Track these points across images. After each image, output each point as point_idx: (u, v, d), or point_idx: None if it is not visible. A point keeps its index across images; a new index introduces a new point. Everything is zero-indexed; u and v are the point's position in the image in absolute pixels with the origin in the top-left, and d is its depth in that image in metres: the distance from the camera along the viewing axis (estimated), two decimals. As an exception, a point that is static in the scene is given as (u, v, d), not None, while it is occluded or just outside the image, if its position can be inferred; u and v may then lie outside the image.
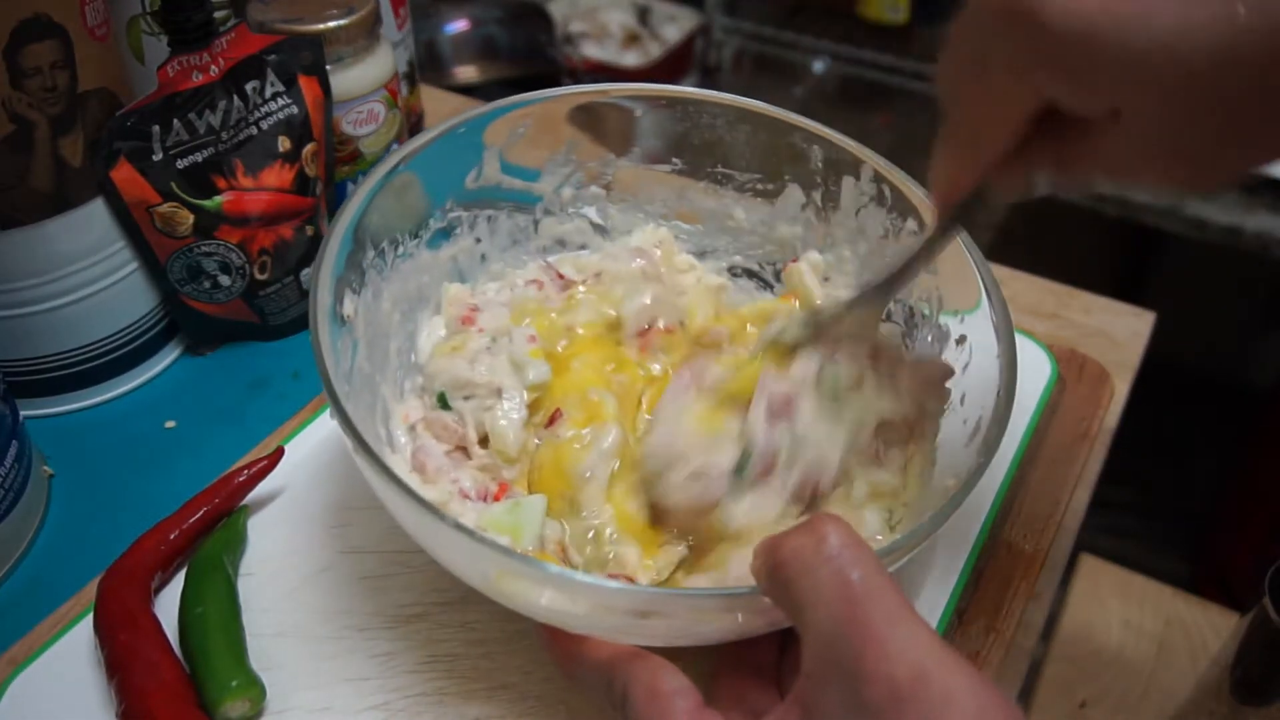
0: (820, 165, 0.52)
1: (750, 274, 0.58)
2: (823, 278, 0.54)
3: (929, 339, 0.49)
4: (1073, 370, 0.58)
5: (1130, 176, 0.34)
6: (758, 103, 0.53)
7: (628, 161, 0.56)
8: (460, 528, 0.36)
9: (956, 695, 0.28)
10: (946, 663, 0.28)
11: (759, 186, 0.55)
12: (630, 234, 0.56)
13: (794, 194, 0.54)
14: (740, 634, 0.37)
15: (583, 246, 0.57)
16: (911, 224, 0.49)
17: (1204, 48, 0.29)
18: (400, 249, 0.50)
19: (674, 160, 0.55)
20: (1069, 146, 0.35)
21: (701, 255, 0.57)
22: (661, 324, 0.52)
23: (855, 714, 0.28)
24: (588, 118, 0.54)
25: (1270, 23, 0.29)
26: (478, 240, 0.55)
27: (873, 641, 0.29)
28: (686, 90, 0.54)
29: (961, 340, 0.46)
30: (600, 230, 0.57)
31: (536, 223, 0.56)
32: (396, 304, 0.50)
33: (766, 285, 0.57)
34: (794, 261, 0.55)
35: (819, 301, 0.53)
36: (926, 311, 0.49)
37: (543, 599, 0.36)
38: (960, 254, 0.45)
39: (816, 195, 0.53)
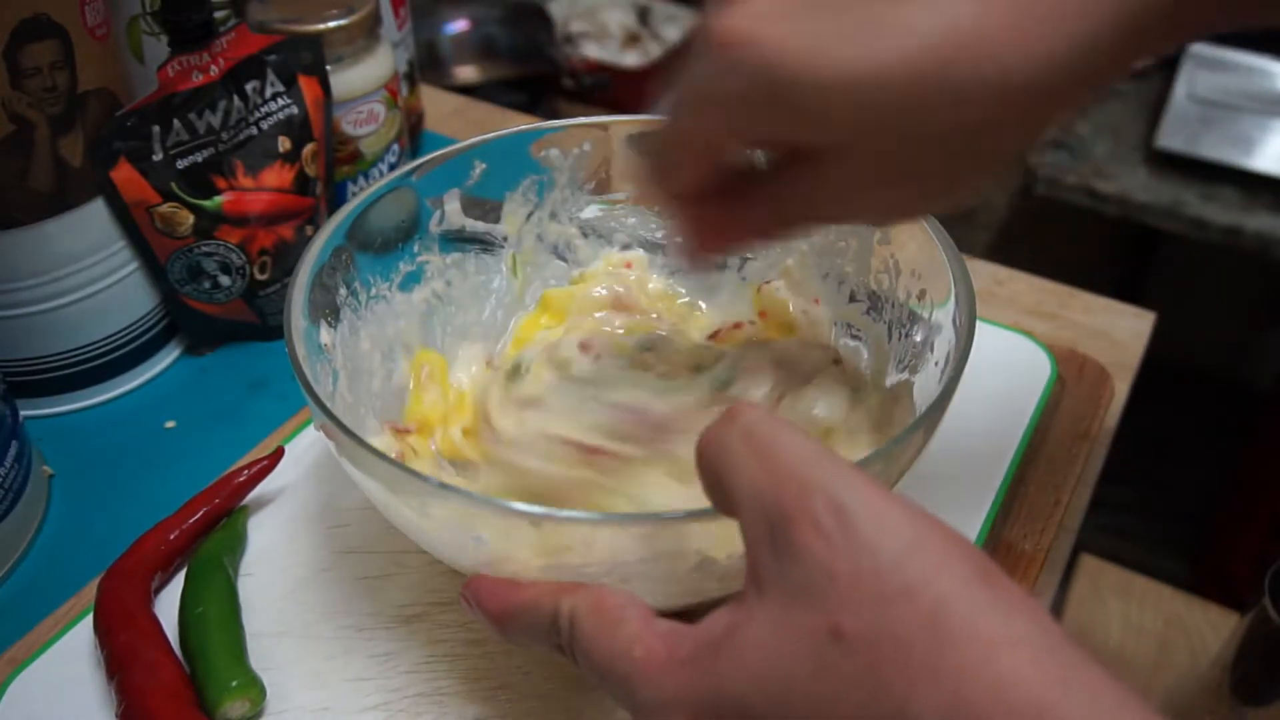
0: None
1: None
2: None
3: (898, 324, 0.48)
4: (1073, 370, 0.58)
5: (855, 205, 0.35)
6: None
7: (589, 194, 0.55)
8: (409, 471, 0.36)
9: (889, 523, 0.26)
10: (868, 492, 0.27)
11: None
12: (596, 261, 0.55)
13: None
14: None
15: (550, 280, 0.56)
16: None
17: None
18: (372, 290, 0.49)
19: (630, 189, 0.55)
20: (785, 182, 0.35)
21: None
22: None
23: (788, 560, 0.27)
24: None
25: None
26: (448, 284, 0.53)
27: (788, 483, 0.27)
28: (646, 119, 0.52)
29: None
30: (571, 263, 0.56)
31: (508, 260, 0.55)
32: (376, 344, 0.49)
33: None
34: (767, 284, 0.54)
35: (794, 313, 0.52)
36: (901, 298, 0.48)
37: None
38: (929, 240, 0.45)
39: None
